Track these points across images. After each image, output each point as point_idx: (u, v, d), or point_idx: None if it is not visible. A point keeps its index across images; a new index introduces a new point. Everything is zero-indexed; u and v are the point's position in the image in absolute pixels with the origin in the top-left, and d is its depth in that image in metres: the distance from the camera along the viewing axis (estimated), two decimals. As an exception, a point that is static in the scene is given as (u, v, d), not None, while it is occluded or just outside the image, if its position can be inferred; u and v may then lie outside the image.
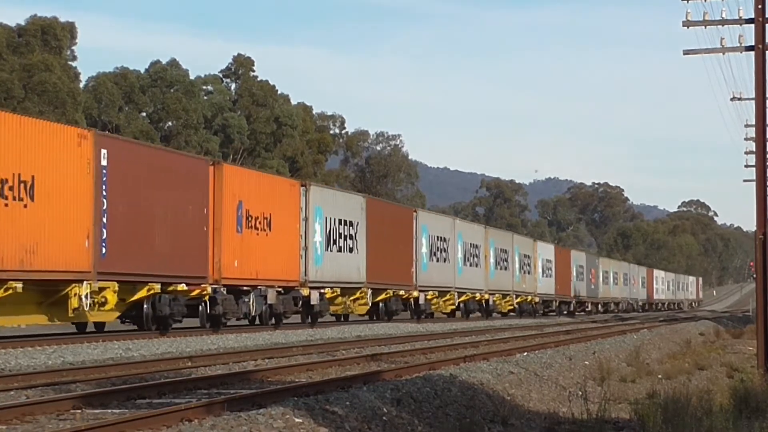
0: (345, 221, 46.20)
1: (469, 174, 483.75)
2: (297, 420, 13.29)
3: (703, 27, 31.24)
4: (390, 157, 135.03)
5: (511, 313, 71.94)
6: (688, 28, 31.22)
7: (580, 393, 18.57)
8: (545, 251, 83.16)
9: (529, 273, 75.74)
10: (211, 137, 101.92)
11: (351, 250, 46.91)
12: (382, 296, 50.77)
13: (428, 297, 55.69)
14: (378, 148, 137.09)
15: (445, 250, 58.33)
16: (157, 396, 16.82)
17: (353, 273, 46.99)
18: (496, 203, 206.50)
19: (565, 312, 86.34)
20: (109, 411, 14.99)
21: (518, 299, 72.46)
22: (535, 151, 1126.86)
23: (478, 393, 18.06)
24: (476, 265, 63.77)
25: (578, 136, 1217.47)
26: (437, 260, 57.11)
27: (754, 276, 29.14)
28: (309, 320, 43.72)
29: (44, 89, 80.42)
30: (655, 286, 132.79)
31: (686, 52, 31.69)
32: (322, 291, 43.55)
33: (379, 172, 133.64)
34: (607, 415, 16.48)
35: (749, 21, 28.95)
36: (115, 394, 16.41)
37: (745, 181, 60.72)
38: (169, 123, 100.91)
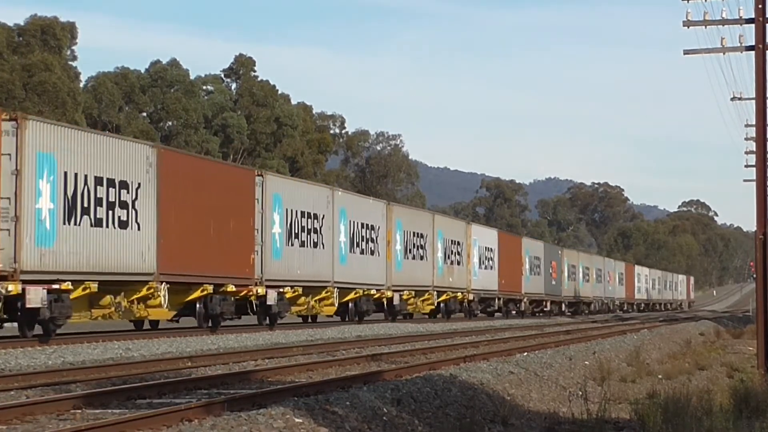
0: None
1: (469, 174, 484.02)
2: (297, 420, 13.29)
3: (704, 27, 31.25)
4: (390, 157, 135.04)
5: (446, 314, 59.84)
6: (688, 28, 31.23)
7: (580, 393, 18.57)
8: (484, 237, 67.60)
9: (459, 264, 60.90)
10: (211, 137, 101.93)
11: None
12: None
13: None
14: (378, 148, 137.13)
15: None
16: (157, 396, 16.81)
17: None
18: (496, 203, 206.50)
19: (513, 312, 73.49)
20: (109, 411, 14.98)
21: (443, 296, 58.44)
22: (535, 151, 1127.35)
23: (478, 393, 18.05)
24: (373, 253, 49.72)
25: (578, 136, 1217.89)
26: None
27: (754, 276, 29.14)
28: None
29: (44, 89, 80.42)
30: (636, 284, 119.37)
31: (686, 52, 31.70)
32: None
33: (379, 172, 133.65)
34: (607, 415, 16.48)
35: (749, 21, 28.96)
36: (115, 394, 16.41)
37: (745, 181, 60.75)
38: (169, 123, 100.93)
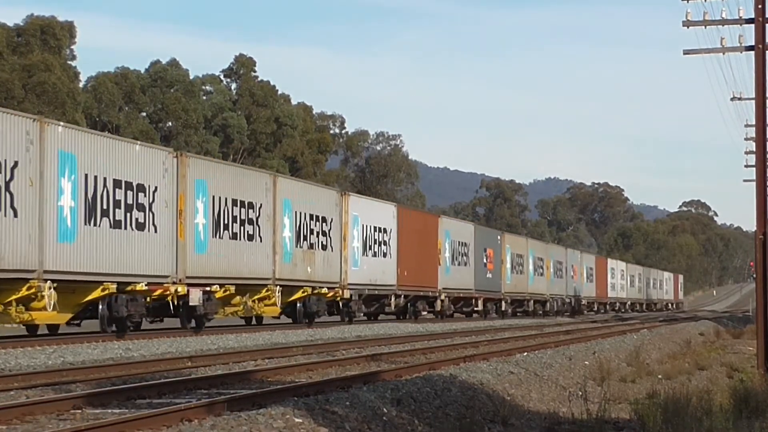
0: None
1: (469, 174, 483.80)
2: (297, 420, 13.29)
3: (703, 27, 31.25)
4: (390, 157, 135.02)
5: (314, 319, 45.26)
6: (688, 28, 31.23)
7: (580, 393, 18.57)
8: (371, 214, 50.02)
9: (324, 249, 44.86)
10: (211, 137, 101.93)
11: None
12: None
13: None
14: (378, 148, 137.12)
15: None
16: (157, 396, 16.82)
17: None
18: (496, 203, 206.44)
19: (424, 313, 58.30)
20: (109, 411, 14.98)
21: (299, 293, 42.75)
22: (535, 151, 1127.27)
23: (478, 393, 18.05)
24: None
25: (578, 136, 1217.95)
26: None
27: (754, 276, 29.15)
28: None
29: (44, 89, 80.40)
30: (609, 280, 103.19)
31: (686, 52, 31.70)
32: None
33: (379, 172, 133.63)
34: (607, 415, 16.48)
35: (749, 21, 28.97)
36: (115, 394, 16.41)
37: (745, 181, 60.76)
38: (169, 123, 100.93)
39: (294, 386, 17.59)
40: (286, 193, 41.46)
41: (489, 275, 66.38)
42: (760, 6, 27.79)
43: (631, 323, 62.67)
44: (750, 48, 28.97)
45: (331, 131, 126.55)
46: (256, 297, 39.75)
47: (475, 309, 64.37)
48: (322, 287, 43.86)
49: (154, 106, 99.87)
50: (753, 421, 15.94)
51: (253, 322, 43.75)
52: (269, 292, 40.01)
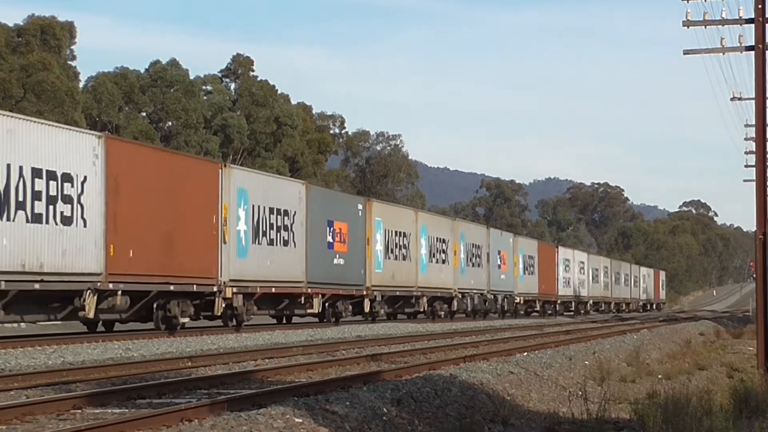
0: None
1: (469, 174, 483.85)
2: (297, 420, 13.29)
3: (703, 27, 31.25)
4: (390, 157, 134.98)
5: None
6: (688, 28, 31.23)
7: (580, 393, 18.57)
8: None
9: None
10: (210, 137, 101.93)
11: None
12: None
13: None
14: (378, 148, 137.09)
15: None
16: (157, 396, 16.82)
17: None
18: (496, 203, 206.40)
19: (271, 313, 42.67)
20: (109, 411, 14.99)
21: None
22: (535, 151, 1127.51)
23: (478, 393, 18.05)
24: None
25: (578, 136, 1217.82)
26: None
27: (754, 276, 29.15)
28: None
29: (42, 89, 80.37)
30: (561, 274, 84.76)
31: (686, 52, 31.70)
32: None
33: (379, 172, 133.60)
34: (607, 415, 16.48)
35: (749, 21, 28.97)
36: (115, 394, 16.41)
37: (745, 181, 60.78)
38: (169, 123, 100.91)
39: (294, 386, 17.59)
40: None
41: (337, 261, 45.56)
42: (760, 6, 27.79)
43: (631, 323, 62.71)
44: (750, 48, 28.97)
45: (331, 131, 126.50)
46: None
47: (337, 310, 46.26)
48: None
49: (154, 106, 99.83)
50: (753, 421, 15.94)
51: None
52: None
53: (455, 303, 60.15)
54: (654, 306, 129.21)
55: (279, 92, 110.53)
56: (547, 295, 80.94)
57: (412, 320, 54.83)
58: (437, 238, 57.99)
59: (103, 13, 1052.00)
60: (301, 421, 13.29)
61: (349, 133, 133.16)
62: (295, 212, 41.44)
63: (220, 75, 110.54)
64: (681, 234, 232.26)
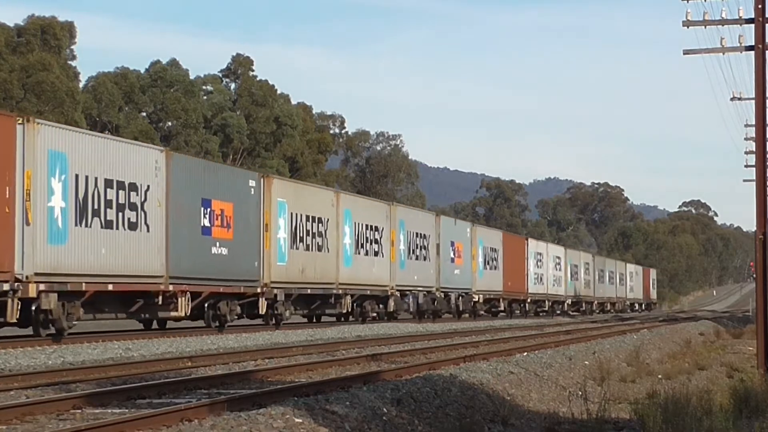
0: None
1: (469, 174, 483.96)
2: (297, 420, 13.29)
3: (703, 27, 31.25)
4: (390, 157, 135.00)
5: None
6: (688, 28, 31.23)
7: (580, 393, 18.57)
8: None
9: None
10: (210, 137, 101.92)
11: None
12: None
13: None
14: (378, 148, 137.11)
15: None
16: (157, 396, 16.82)
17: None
18: (496, 203, 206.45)
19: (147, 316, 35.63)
20: (109, 411, 14.99)
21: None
22: (535, 151, 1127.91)
23: (478, 393, 18.05)
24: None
25: (578, 136, 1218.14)
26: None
27: (754, 276, 29.16)
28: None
29: (42, 89, 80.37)
30: (531, 269, 75.38)
31: (686, 52, 31.70)
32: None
33: (379, 172, 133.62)
34: (607, 415, 16.47)
35: (749, 21, 28.97)
36: (115, 394, 16.41)
37: (745, 181, 60.77)
38: (169, 123, 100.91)
39: (294, 386, 17.59)
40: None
41: (217, 250, 36.79)
42: (760, 6, 27.80)
43: (631, 323, 62.72)
44: (750, 48, 28.97)
45: (331, 131, 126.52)
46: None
47: (234, 312, 38.68)
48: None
49: (154, 106, 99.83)
50: (753, 421, 15.93)
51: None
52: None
53: (392, 303, 50.64)
54: (644, 306, 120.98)
55: (279, 92, 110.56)
56: (514, 292, 71.05)
57: (340, 323, 47.33)
58: (367, 226, 48.60)
59: (103, 13, 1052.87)
60: (301, 421, 13.29)
61: (349, 133, 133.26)
62: (148, 186, 32.56)
63: (220, 75, 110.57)
64: (681, 234, 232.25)
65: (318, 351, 28.75)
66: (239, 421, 12.83)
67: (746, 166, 59.38)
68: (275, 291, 39.68)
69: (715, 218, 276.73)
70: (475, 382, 18.85)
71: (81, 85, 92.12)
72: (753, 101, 31.43)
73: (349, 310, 46.55)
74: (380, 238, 49.96)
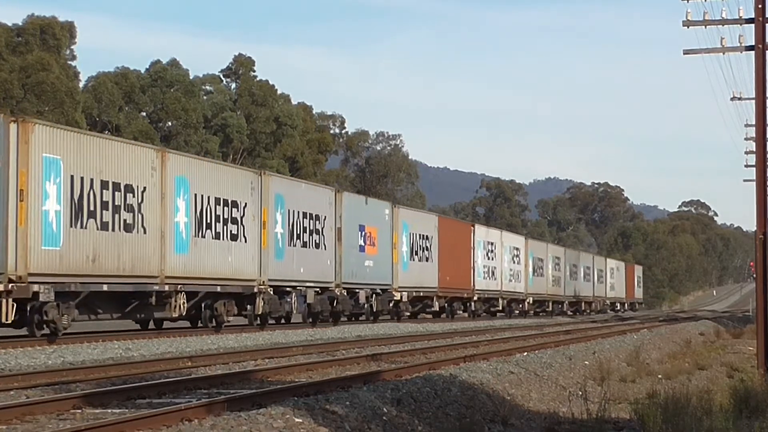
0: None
1: (469, 174, 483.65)
2: (297, 420, 13.29)
3: (703, 27, 31.25)
4: (390, 157, 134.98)
5: None
6: (688, 28, 31.24)
7: (580, 393, 18.57)
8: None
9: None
10: (210, 137, 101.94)
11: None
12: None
13: None
14: (378, 148, 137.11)
15: None
16: (157, 396, 16.82)
17: None
18: (496, 203, 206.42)
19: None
20: (109, 411, 14.99)
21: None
22: (535, 151, 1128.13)
23: (478, 393, 18.05)
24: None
25: (578, 136, 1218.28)
26: None
27: (754, 276, 29.16)
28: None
29: (42, 89, 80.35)
30: (479, 262, 63.22)
31: (686, 52, 31.70)
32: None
33: (379, 172, 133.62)
34: (607, 415, 16.47)
35: (749, 21, 28.97)
36: (115, 394, 16.41)
37: (745, 181, 60.78)
38: (169, 123, 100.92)
39: (294, 386, 17.59)
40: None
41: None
42: (760, 6, 27.80)
43: (631, 323, 62.71)
44: (750, 48, 28.97)
45: (331, 131, 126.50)
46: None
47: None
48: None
49: (154, 105, 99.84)
50: (753, 421, 15.93)
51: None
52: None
53: (261, 303, 38.76)
54: (626, 306, 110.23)
55: (279, 92, 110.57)
56: (455, 289, 59.41)
57: (193, 330, 36.68)
58: (217, 200, 36.38)
59: (103, 13, 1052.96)
60: (301, 421, 13.29)
61: (349, 133, 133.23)
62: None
63: (220, 75, 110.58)
64: (681, 234, 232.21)
65: (318, 351, 28.75)
66: (239, 421, 12.83)
67: (746, 166, 59.40)
68: (41, 288, 28.00)
69: (715, 218, 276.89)
70: (475, 382, 18.85)
71: (81, 85, 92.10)
72: (753, 101, 31.47)
73: (183, 312, 34.51)
74: (242, 218, 37.73)
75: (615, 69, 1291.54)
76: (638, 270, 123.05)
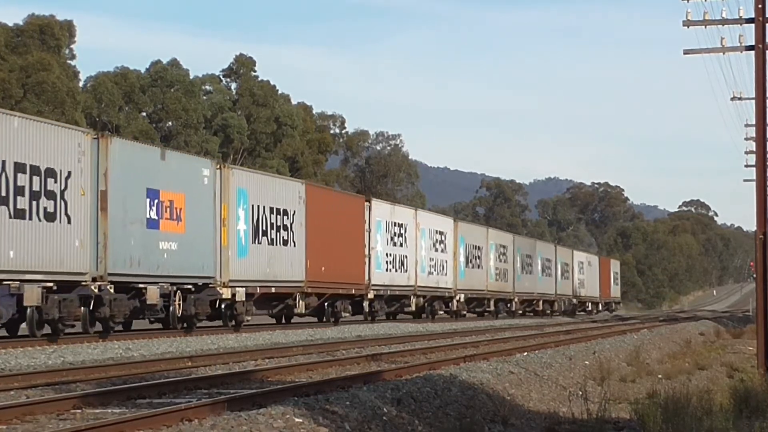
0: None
1: (469, 174, 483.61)
2: (297, 420, 13.29)
3: (704, 27, 31.25)
4: (390, 157, 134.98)
5: None
6: (688, 28, 31.23)
7: (580, 393, 18.57)
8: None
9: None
10: (210, 137, 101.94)
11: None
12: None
13: None
14: (378, 148, 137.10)
15: None
16: (157, 396, 16.82)
17: None
18: (496, 203, 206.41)
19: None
20: (109, 411, 14.98)
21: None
22: (535, 151, 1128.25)
23: (478, 393, 18.05)
24: None
25: (578, 136, 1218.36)
26: None
27: (754, 276, 29.16)
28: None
29: (42, 89, 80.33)
30: (379, 249, 50.16)
31: (686, 52, 31.70)
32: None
33: (379, 172, 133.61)
34: (607, 415, 16.47)
35: (749, 21, 28.97)
36: (115, 394, 16.41)
37: (745, 181, 60.82)
38: (169, 123, 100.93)
39: (294, 386, 17.59)
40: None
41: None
42: (760, 6, 27.80)
43: (631, 323, 62.70)
44: (750, 48, 28.97)
45: (331, 131, 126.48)
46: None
47: None
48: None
49: (154, 105, 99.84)
50: (753, 420, 15.93)
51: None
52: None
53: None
54: (601, 306, 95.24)
55: (279, 92, 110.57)
56: (335, 284, 45.50)
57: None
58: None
59: (103, 12, 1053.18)
60: (301, 420, 13.29)
61: (349, 133, 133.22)
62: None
63: (220, 75, 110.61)
64: (681, 234, 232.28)
65: (318, 351, 28.75)
66: (239, 421, 12.82)
67: (746, 166, 59.40)
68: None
69: (715, 218, 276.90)
70: (475, 382, 18.85)
71: (81, 84, 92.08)
72: (753, 101, 31.47)
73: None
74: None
75: (615, 69, 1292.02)
76: (615, 265, 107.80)
